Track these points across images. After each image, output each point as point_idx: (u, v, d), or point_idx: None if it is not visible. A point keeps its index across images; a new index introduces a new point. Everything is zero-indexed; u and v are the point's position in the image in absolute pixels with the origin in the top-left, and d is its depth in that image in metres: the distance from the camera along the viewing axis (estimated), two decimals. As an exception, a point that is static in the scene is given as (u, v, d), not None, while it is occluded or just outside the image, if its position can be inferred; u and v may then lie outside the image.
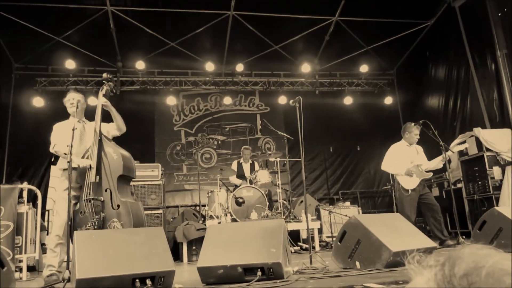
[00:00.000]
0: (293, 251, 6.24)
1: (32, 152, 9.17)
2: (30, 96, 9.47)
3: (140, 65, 9.80)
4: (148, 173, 7.07)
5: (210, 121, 10.87)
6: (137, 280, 2.90)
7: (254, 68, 10.85)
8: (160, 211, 6.92)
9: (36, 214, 5.56)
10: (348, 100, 10.99)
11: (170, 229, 6.99)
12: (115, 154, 4.13)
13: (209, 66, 10.15)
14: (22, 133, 9.26)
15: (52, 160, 8.51)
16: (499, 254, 0.66)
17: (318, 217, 7.86)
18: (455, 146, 6.11)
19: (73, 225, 3.89)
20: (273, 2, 8.64)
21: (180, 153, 10.49)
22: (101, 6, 8.42)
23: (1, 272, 3.07)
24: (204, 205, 7.58)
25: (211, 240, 3.62)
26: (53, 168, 8.68)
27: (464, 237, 5.95)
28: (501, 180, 7.02)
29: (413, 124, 6.15)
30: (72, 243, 3.25)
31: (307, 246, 6.08)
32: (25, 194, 5.51)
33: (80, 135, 4.37)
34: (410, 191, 5.86)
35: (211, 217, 6.75)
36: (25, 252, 5.17)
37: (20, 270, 4.95)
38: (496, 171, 7.15)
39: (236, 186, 7.71)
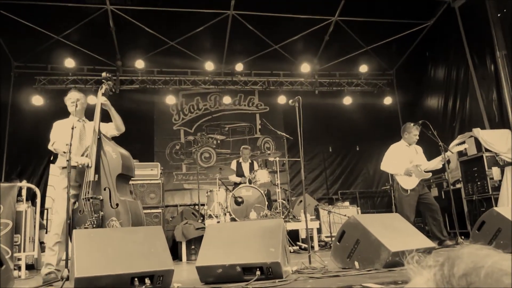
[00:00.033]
0: (292, 250, 6.24)
1: (31, 150, 9.16)
2: (29, 95, 9.46)
3: (139, 64, 9.80)
4: (147, 172, 7.07)
5: (209, 121, 10.86)
6: (136, 279, 2.90)
7: (253, 67, 10.85)
8: (159, 210, 6.92)
9: (35, 213, 5.56)
10: (347, 100, 11.00)
11: (169, 228, 6.99)
12: (114, 153, 4.13)
13: (209, 66, 10.14)
14: (21, 132, 9.25)
15: (51, 158, 8.51)
16: (498, 254, 0.66)
17: (317, 217, 7.86)
18: (455, 147, 6.11)
19: (72, 224, 3.89)
20: (273, 2, 8.64)
21: (179, 152, 10.49)
22: (101, 5, 8.41)
23: (0, 270, 3.06)
24: (203, 205, 7.58)
25: (210, 239, 3.61)
26: (52, 166, 8.68)
27: (463, 237, 5.96)
28: (500, 181, 7.03)
29: (412, 124, 6.15)
30: (71, 241, 3.24)
31: (306, 245, 6.08)
32: (24, 192, 5.52)
33: (80, 134, 4.38)
34: (409, 191, 5.86)
35: (210, 216, 6.75)
36: (24, 251, 5.18)
37: (19, 268, 4.96)
38: (495, 171, 7.16)
39: (235, 185, 7.71)
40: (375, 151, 10.06)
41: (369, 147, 10.87)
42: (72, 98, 4.44)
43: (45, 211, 7.86)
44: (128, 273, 2.89)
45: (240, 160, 8.29)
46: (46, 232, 6.89)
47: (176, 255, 6.34)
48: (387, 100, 11.14)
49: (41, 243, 5.97)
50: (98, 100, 4.34)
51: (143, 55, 9.77)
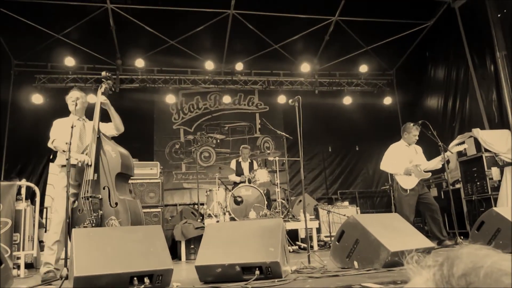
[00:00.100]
0: (291, 250, 6.24)
1: (31, 149, 9.15)
2: (29, 93, 9.45)
3: (139, 63, 9.79)
4: (147, 171, 7.07)
5: (209, 120, 10.86)
6: (135, 278, 2.89)
7: (253, 67, 10.84)
8: (159, 210, 6.92)
9: (34, 211, 5.55)
10: (347, 100, 10.99)
11: (168, 227, 6.99)
12: (113, 152, 4.13)
13: (209, 65, 10.14)
14: (21, 130, 9.24)
15: (51, 157, 8.50)
16: (498, 254, 0.66)
17: (317, 217, 7.86)
18: (454, 147, 6.11)
19: (71, 223, 3.89)
20: (273, 1, 8.65)
21: (179, 151, 10.49)
22: (101, 4, 8.40)
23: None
24: (202, 204, 7.58)
25: (209, 239, 3.61)
26: (51, 165, 8.66)
27: (462, 237, 5.97)
28: (500, 181, 7.04)
29: (412, 124, 6.15)
30: (70, 240, 3.24)
31: (305, 245, 6.09)
32: (23, 191, 5.51)
33: (80, 133, 4.38)
34: (408, 191, 5.86)
35: (209, 215, 6.75)
36: (23, 249, 5.17)
37: (18, 267, 4.95)
38: (494, 171, 7.17)
39: (235, 184, 7.71)
40: (375, 151, 10.06)
41: (369, 147, 10.87)
42: (73, 97, 4.44)
43: (45, 210, 7.85)
44: (127, 272, 2.89)
45: (240, 159, 8.29)
46: (46, 231, 6.88)
47: (175, 254, 6.34)
48: (387, 100, 11.14)
49: (40, 242, 5.97)
50: (98, 99, 4.35)
51: (143, 54, 9.77)
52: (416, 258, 0.74)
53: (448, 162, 6.31)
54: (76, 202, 4.09)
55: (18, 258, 5.03)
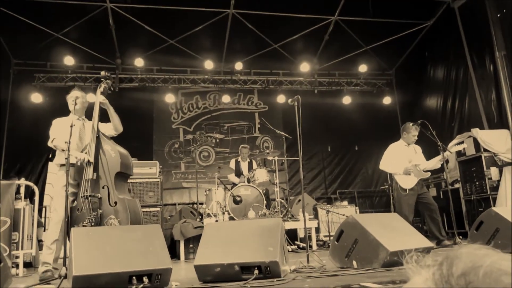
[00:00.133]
0: (290, 250, 6.24)
1: (30, 148, 9.15)
2: (29, 92, 9.45)
3: (139, 62, 9.78)
4: (146, 170, 7.07)
5: (208, 119, 10.86)
6: (134, 278, 2.89)
7: (253, 66, 10.84)
8: (158, 209, 6.92)
9: (33, 210, 5.55)
10: (346, 100, 10.99)
11: (167, 227, 6.99)
12: (112, 152, 4.14)
13: (208, 64, 10.13)
14: (20, 129, 9.23)
15: (50, 156, 8.50)
16: (497, 254, 0.66)
17: (316, 216, 7.87)
18: (453, 146, 6.12)
19: (70, 222, 3.88)
20: (272, 1, 8.64)
21: (178, 151, 10.48)
22: (100, 3, 8.40)
23: (-2, 268, 3.06)
24: (201, 203, 7.58)
25: (208, 238, 3.61)
26: (50, 164, 8.65)
27: (461, 237, 5.97)
28: (499, 181, 7.04)
29: (411, 124, 6.15)
30: (69, 240, 3.24)
31: (304, 245, 6.09)
32: (22, 190, 5.51)
33: (79, 133, 4.39)
34: (408, 191, 5.87)
35: (208, 215, 6.75)
36: (22, 248, 5.17)
37: (17, 266, 4.95)
38: (493, 171, 7.17)
39: (234, 184, 7.71)
40: (374, 150, 10.04)
41: (368, 146, 10.87)
42: (73, 96, 4.45)
43: (44, 209, 7.85)
44: (126, 272, 2.89)
45: (239, 159, 8.29)
46: (44, 230, 6.88)
47: (174, 253, 6.34)
48: (386, 100, 11.14)
49: (39, 241, 5.96)
50: (97, 98, 4.36)
51: (143, 53, 9.76)
52: (416, 258, 0.74)
53: (447, 162, 6.32)
54: (75, 201, 4.09)
55: (17, 257, 5.03)
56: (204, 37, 9.61)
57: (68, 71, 9.92)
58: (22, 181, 5.65)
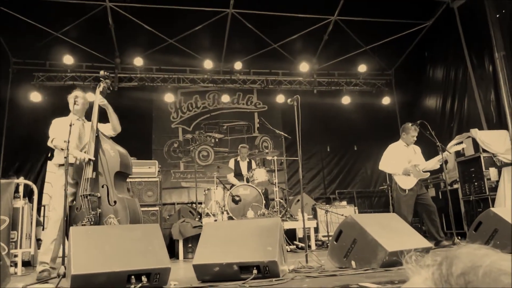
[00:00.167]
0: (289, 249, 6.24)
1: (29, 147, 9.14)
2: (28, 91, 9.43)
3: (138, 61, 9.77)
4: (145, 170, 7.07)
5: (207, 119, 10.85)
6: (133, 277, 2.89)
7: (252, 66, 10.84)
8: (157, 208, 6.92)
9: (32, 209, 5.54)
10: (346, 100, 10.98)
11: (166, 226, 6.99)
12: (112, 151, 4.14)
13: (208, 64, 10.12)
14: (19, 128, 9.22)
15: (49, 155, 8.49)
16: (497, 254, 0.66)
17: (315, 216, 7.87)
18: (453, 146, 6.13)
19: (69, 221, 3.88)
20: (272, 0, 8.63)
21: (177, 150, 10.48)
22: (100, 2, 8.39)
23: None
24: (200, 203, 7.58)
25: (207, 237, 3.61)
26: (49, 163, 8.66)
27: (459, 237, 5.97)
28: (497, 181, 7.05)
29: (410, 124, 6.15)
30: (67, 239, 3.24)
31: (303, 245, 6.09)
32: (21, 189, 5.50)
33: (79, 133, 4.39)
34: (407, 191, 5.87)
35: (207, 214, 6.75)
36: (21, 247, 5.17)
37: (15, 265, 4.94)
38: (492, 172, 7.18)
39: (233, 185, 7.70)
40: (373, 151, 10.04)
41: (367, 147, 10.87)
42: (74, 96, 4.46)
43: (42, 208, 7.85)
44: (125, 271, 2.89)
45: (238, 158, 8.29)
46: (43, 229, 6.88)
47: (173, 253, 6.34)
48: (386, 100, 11.14)
49: (38, 240, 5.96)
50: (96, 98, 4.36)
51: (142, 52, 9.75)
52: (415, 258, 0.74)
53: (446, 162, 6.32)
54: (74, 200, 4.09)
55: (16, 256, 5.02)
56: (204, 37, 9.61)
57: (67, 70, 9.91)
58: (21, 180, 5.63)
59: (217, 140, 10.75)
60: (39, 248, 5.49)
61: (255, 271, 3.20)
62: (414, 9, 9.09)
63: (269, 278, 3.19)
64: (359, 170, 11.22)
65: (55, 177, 4.36)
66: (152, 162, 7.31)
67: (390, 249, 3.45)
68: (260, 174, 7.30)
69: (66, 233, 3.64)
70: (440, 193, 8.50)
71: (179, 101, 10.75)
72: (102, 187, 3.99)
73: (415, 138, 6.15)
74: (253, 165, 8.16)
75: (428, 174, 6.04)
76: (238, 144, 8.92)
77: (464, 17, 8.55)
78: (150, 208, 6.87)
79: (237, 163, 8.19)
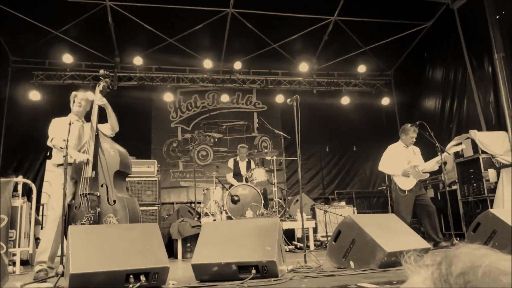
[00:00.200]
0: (287, 250, 6.24)
1: (28, 145, 9.13)
2: (27, 90, 9.42)
3: (137, 61, 9.76)
4: (144, 169, 7.07)
5: (207, 119, 10.85)
6: (131, 276, 2.89)
7: (252, 66, 10.84)
8: (155, 208, 6.92)
9: (31, 208, 5.54)
10: (345, 100, 10.98)
11: (165, 225, 6.99)
12: (112, 150, 4.14)
13: (207, 64, 10.12)
14: (18, 127, 9.21)
15: (48, 154, 8.48)
16: (496, 254, 0.66)
17: (313, 217, 7.87)
18: (452, 147, 6.13)
19: (68, 220, 3.88)
20: (272, 0, 8.63)
21: (176, 149, 10.48)
22: (100, 1, 8.38)
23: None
24: (199, 202, 7.57)
25: (206, 237, 3.61)
26: (48, 162, 8.64)
27: (458, 238, 5.97)
28: (496, 183, 7.05)
29: (410, 125, 6.16)
30: (66, 238, 3.23)
31: (301, 245, 6.09)
32: (20, 187, 5.49)
33: (78, 133, 4.38)
34: (406, 192, 5.88)
35: (206, 214, 6.75)
36: (19, 246, 5.16)
37: (14, 264, 4.94)
38: (491, 173, 7.18)
39: (232, 185, 7.70)
40: (372, 151, 10.04)
41: (366, 147, 10.87)
42: (79, 98, 4.47)
43: (41, 207, 7.84)
44: (123, 270, 2.89)
45: (237, 158, 8.29)
46: (42, 228, 6.87)
47: (171, 252, 6.34)
48: (385, 101, 11.14)
49: (36, 239, 5.95)
50: (96, 97, 4.36)
51: (142, 52, 9.74)
52: (414, 258, 0.74)
53: (445, 163, 6.32)
54: (73, 199, 4.08)
55: (14, 254, 5.02)
56: (203, 36, 9.60)
57: (66, 69, 9.91)
58: (20, 179, 5.63)
59: (216, 139, 10.75)
60: (37, 247, 5.49)
61: (253, 271, 3.21)
62: (414, 9, 9.09)
63: (268, 278, 3.19)
64: (358, 170, 11.23)
65: (54, 176, 4.35)
66: (151, 162, 7.31)
67: (388, 250, 3.45)
68: (259, 174, 7.30)
69: (65, 232, 3.63)
70: (439, 194, 8.51)
71: (178, 101, 10.75)
72: (102, 186, 3.98)
73: (414, 139, 6.16)
74: (252, 165, 8.16)
75: (427, 175, 6.04)
76: (237, 144, 8.92)
77: (463, 18, 8.56)
78: (149, 208, 6.86)
79: (236, 163, 8.19)
